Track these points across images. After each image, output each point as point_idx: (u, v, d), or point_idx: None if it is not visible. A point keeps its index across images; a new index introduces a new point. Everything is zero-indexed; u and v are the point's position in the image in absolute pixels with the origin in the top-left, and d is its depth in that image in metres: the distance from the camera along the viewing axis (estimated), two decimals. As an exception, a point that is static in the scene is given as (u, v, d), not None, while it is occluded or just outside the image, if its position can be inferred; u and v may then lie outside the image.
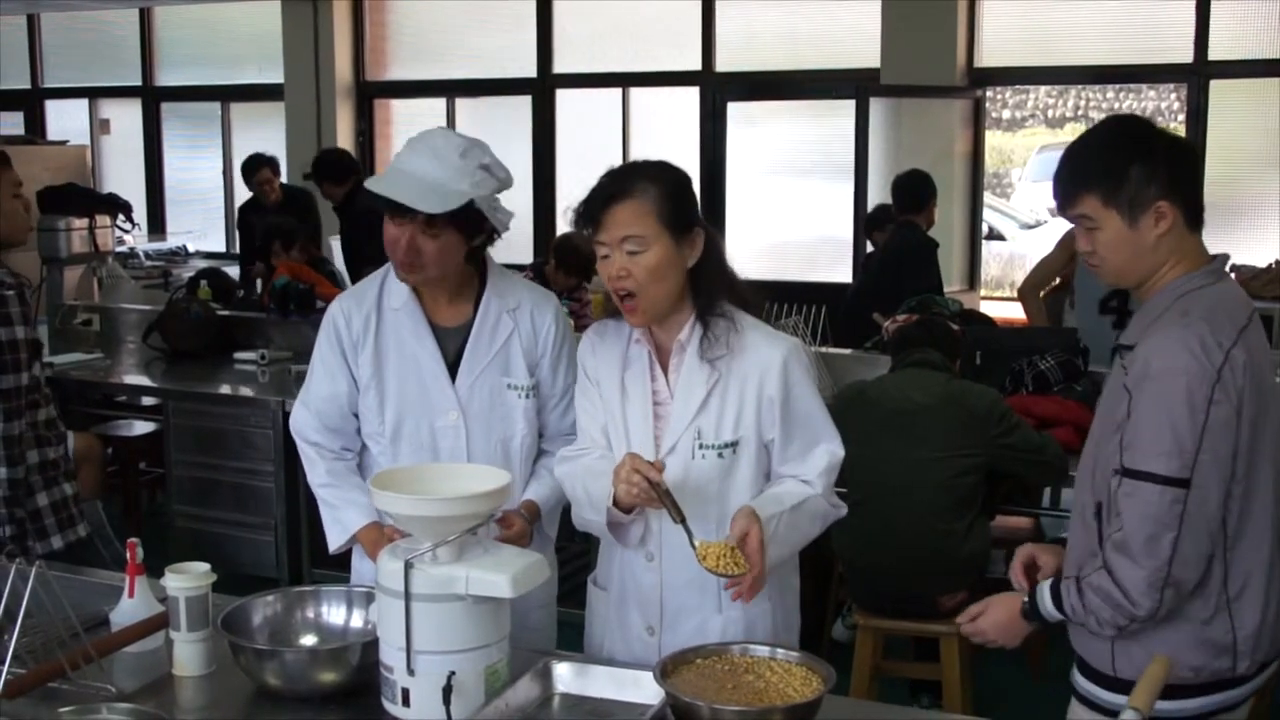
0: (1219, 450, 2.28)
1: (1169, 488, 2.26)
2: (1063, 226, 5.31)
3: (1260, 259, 7.72)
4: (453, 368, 2.79)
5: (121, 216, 8.96)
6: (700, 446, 2.48)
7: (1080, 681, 2.53)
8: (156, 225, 11.60)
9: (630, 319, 2.48)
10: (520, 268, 4.44)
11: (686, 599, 2.53)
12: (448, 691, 2.11)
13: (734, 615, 2.52)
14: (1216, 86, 7.99)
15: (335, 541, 2.84)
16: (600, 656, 2.59)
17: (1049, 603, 2.45)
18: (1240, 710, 2.50)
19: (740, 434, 2.49)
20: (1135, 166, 2.34)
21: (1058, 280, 6.42)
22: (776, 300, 5.55)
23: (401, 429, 2.80)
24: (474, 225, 2.69)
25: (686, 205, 2.47)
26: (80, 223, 7.32)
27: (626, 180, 2.44)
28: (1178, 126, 8.72)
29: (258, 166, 8.46)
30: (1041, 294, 6.40)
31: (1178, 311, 2.35)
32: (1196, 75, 8.02)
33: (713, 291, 2.50)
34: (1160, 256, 2.39)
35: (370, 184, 2.64)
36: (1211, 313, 2.34)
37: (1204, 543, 2.30)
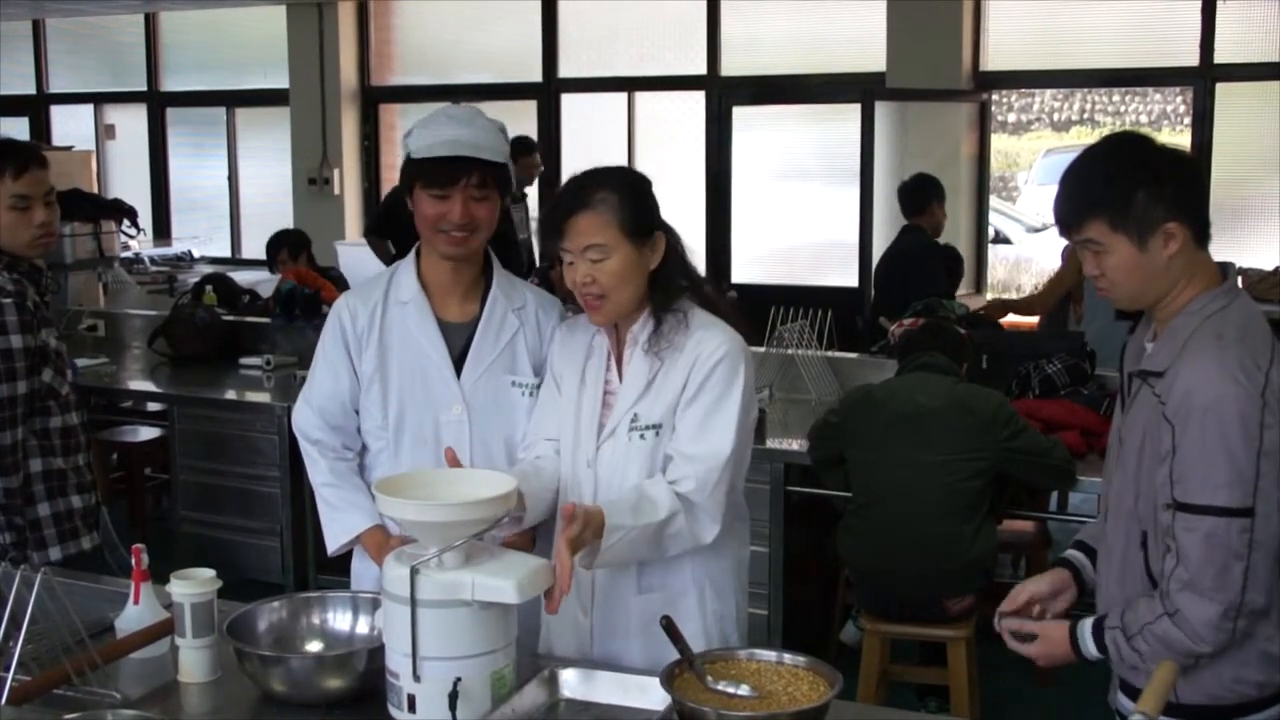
0: (1275, 473, 2.24)
1: (1235, 518, 2.22)
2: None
3: (1266, 262, 7.69)
4: (458, 363, 2.80)
5: (126, 222, 8.95)
6: (632, 429, 2.58)
7: (1128, 706, 2.46)
8: (162, 230, 11.60)
9: (593, 317, 2.58)
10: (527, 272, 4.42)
11: (612, 580, 2.61)
12: (454, 697, 2.10)
13: (653, 597, 2.59)
14: (1223, 89, 7.97)
15: (335, 542, 2.83)
16: (548, 652, 2.65)
17: (1091, 645, 2.40)
18: None
19: (665, 417, 2.57)
20: (1141, 189, 2.30)
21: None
22: (782, 305, 5.54)
23: (404, 422, 2.81)
24: (508, 186, 2.78)
25: (646, 211, 2.57)
26: (85, 228, 7.33)
27: (586, 190, 2.53)
28: (1184, 130, 8.72)
29: (530, 150, 7.99)
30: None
31: (1211, 335, 2.30)
32: (1202, 78, 8.00)
33: (670, 290, 2.59)
34: (1172, 277, 2.34)
35: (419, 153, 2.69)
36: (1244, 333, 2.30)
37: (1271, 565, 2.27)
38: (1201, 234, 2.36)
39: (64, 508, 3.29)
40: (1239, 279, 7.55)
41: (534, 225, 8.05)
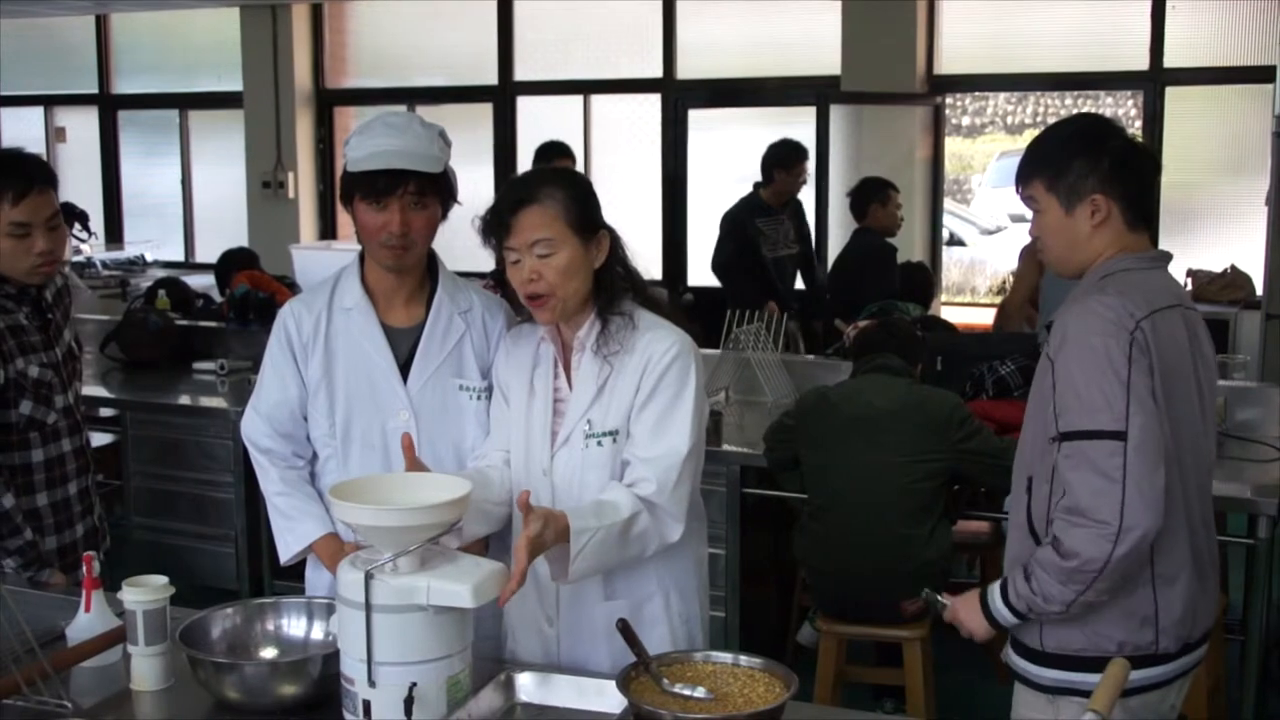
0: (1145, 404, 2.34)
1: (1106, 440, 2.32)
2: (1021, 233, 5.38)
3: (1215, 264, 7.79)
4: (404, 369, 2.79)
5: (78, 226, 8.84)
6: (588, 436, 2.57)
7: (1014, 659, 2.61)
8: (114, 234, 11.48)
9: (539, 315, 2.57)
10: (480, 276, 4.38)
11: (578, 587, 2.59)
12: (409, 703, 2.10)
13: (620, 604, 2.57)
14: (1172, 93, 8.06)
15: (289, 551, 2.83)
16: (511, 657, 2.65)
17: (999, 602, 2.52)
18: (1169, 691, 2.55)
19: (620, 423, 2.57)
20: (1079, 159, 2.49)
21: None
22: (738, 307, 5.56)
23: (351, 430, 2.80)
24: (448, 194, 2.77)
25: (591, 209, 2.57)
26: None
27: (533, 187, 2.53)
28: (1134, 133, 8.80)
29: (802, 157, 7.57)
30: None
31: (1096, 287, 2.46)
32: (1152, 82, 8.09)
33: (614, 291, 2.59)
34: (1097, 247, 2.51)
35: (355, 165, 2.67)
36: (1128, 289, 2.43)
37: (1152, 492, 2.32)
38: (1136, 216, 2.51)
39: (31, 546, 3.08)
40: (1188, 281, 7.57)
41: (783, 236, 7.55)
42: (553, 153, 7.65)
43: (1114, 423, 2.32)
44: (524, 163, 9.84)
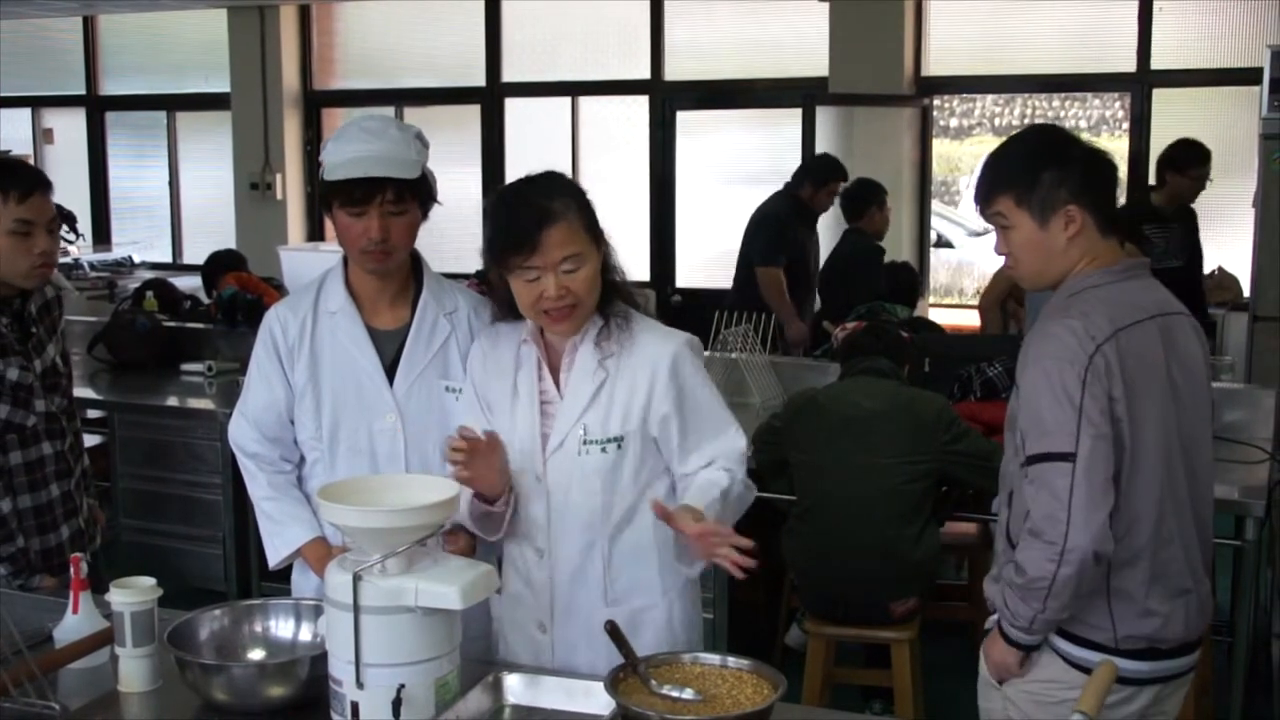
0: (1097, 427, 2.35)
1: (1060, 463, 2.35)
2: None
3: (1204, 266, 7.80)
4: (390, 371, 2.79)
5: (66, 227, 8.80)
6: (585, 442, 2.53)
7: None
8: (101, 236, 11.45)
9: (562, 328, 2.52)
10: (467, 277, 4.41)
11: (575, 593, 2.58)
12: (397, 705, 2.10)
13: (621, 610, 2.53)
14: (1159, 95, 8.09)
15: (277, 556, 2.82)
16: (499, 659, 2.62)
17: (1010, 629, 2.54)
18: (1135, 695, 2.54)
19: (627, 429, 2.53)
20: (1048, 171, 2.46)
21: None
22: (726, 308, 5.57)
23: (339, 433, 2.79)
24: (428, 196, 2.75)
25: (595, 215, 2.54)
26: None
27: (549, 200, 2.45)
28: (1122, 135, 8.83)
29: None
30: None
31: (1061, 308, 2.46)
32: (1140, 84, 8.12)
33: (608, 293, 2.57)
34: (1071, 259, 2.50)
35: (332, 175, 2.65)
36: (1092, 309, 2.43)
37: (1096, 515, 2.34)
38: (1105, 223, 2.50)
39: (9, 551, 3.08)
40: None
41: (1172, 246, 6.83)
42: (828, 172, 6.98)
43: (1066, 444, 2.35)
44: (513, 165, 9.86)
